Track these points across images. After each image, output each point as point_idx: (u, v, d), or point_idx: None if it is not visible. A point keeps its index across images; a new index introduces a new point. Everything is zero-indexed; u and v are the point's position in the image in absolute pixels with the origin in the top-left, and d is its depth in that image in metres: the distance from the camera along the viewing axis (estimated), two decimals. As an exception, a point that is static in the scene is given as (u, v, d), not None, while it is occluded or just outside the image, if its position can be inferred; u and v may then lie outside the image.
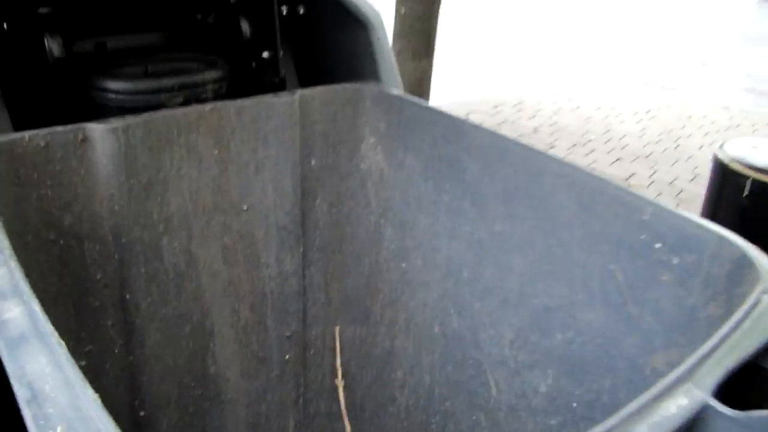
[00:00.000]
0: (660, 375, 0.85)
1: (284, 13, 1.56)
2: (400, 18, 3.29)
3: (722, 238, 1.01)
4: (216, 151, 1.43)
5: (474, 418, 1.55)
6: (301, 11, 1.59)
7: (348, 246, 1.77)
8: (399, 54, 3.29)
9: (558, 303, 1.27)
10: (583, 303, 1.22)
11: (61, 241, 1.30)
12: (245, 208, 1.55)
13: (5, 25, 1.24)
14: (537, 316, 1.31)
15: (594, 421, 1.29)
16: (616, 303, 1.17)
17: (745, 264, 0.95)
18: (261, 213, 1.58)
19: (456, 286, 1.50)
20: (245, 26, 1.51)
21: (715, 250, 1.01)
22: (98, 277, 1.37)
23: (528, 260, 1.32)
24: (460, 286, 1.48)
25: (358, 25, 1.59)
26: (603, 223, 1.17)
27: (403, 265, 1.65)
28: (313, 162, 1.60)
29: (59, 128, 1.23)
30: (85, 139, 1.25)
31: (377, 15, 1.59)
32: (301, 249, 1.71)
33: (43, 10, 1.26)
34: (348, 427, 1.96)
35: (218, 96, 1.47)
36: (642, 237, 1.11)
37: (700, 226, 1.04)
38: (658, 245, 1.09)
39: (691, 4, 13.32)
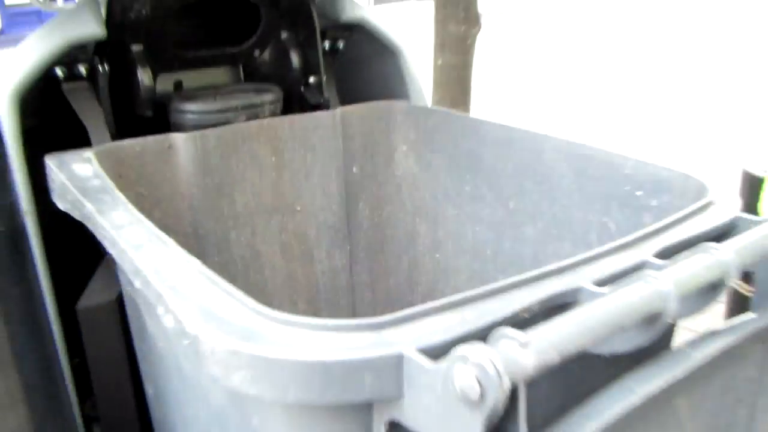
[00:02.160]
0: None
1: (326, 48, 1.88)
2: (437, 69, 3.59)
3: (687, 177, 1.21)
4: (273, 158, 1.73)
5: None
6: (341, 46, 1.91)
7: (389, 246, 2.01)
8: (438, 103, 3.58)
9: (566, 261, 1.47)
10: (585, 257, 1.41)
11: None
12: (298, 208, 1.83)
13: (106, 64, 1.59)
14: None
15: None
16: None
17: (704, 192, 1.15)
18: (312, 213, 1.85)
19: (482, 265, 1.71)
20: (294, 58, 1.84)
21: (682, 187, 1.22)
22: None
23: (538, 229, 1.53)
24: (484, 264, 1.69)
25: (390, 54, 1.89)
26: (595, 184, 1.39)
27: (437, 255, 1.87)
28: (354, 169, 1.88)
29: (151, 137, 1.55)
30: (170, 146, 1.56)
31: (406, 45, 1.90)
32: (348, 247, 1.96)
33: (136, 47, 1.61)
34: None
35: (274, 114, 1.78)
36: (626, 188, 1.32)
37: (669, 170, 1.25)
38: (639, 193, 1.30)
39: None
